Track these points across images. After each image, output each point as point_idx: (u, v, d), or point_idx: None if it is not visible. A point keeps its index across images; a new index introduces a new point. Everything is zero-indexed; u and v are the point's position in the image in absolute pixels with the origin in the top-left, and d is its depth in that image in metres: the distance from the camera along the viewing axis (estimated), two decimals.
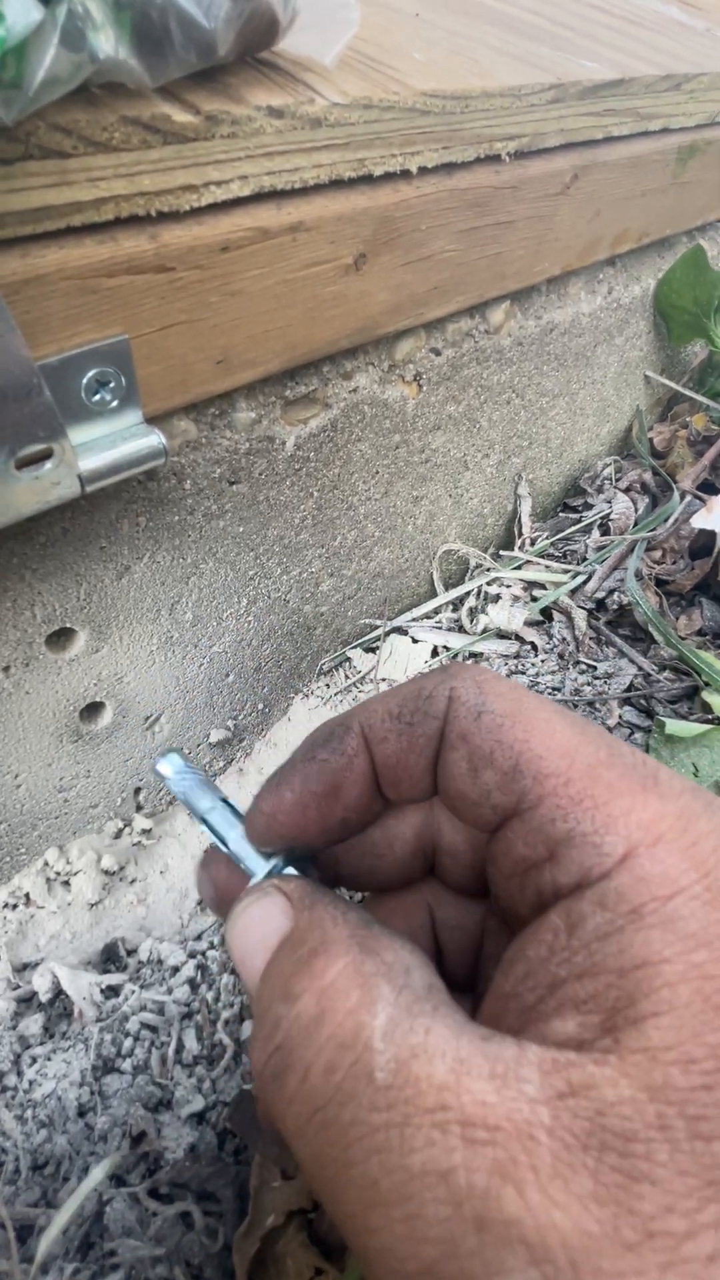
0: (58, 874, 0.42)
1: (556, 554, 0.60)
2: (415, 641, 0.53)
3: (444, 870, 0.21)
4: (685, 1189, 0.12)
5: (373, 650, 0.53)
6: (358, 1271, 0.24)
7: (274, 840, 0.19)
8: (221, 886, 0.21)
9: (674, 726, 0.43)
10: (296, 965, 0.15)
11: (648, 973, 0.13)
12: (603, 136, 0.43)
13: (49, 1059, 0.33)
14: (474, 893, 0.21)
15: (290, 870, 0.20)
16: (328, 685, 0.52)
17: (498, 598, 0.56)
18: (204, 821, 0.21)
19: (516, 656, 0.53)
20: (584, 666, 0.52)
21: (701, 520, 0.51)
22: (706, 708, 0.46)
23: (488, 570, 0.57)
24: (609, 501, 0.62)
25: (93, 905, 0.41)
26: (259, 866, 0.20)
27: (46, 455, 0.26)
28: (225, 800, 0.21)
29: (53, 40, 0.20)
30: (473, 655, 0.53)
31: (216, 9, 0.23)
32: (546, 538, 0.61)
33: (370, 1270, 0.13)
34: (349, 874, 0.21)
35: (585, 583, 0.56)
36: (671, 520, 0.58)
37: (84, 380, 0.27)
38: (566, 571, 0.57)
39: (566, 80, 0.38)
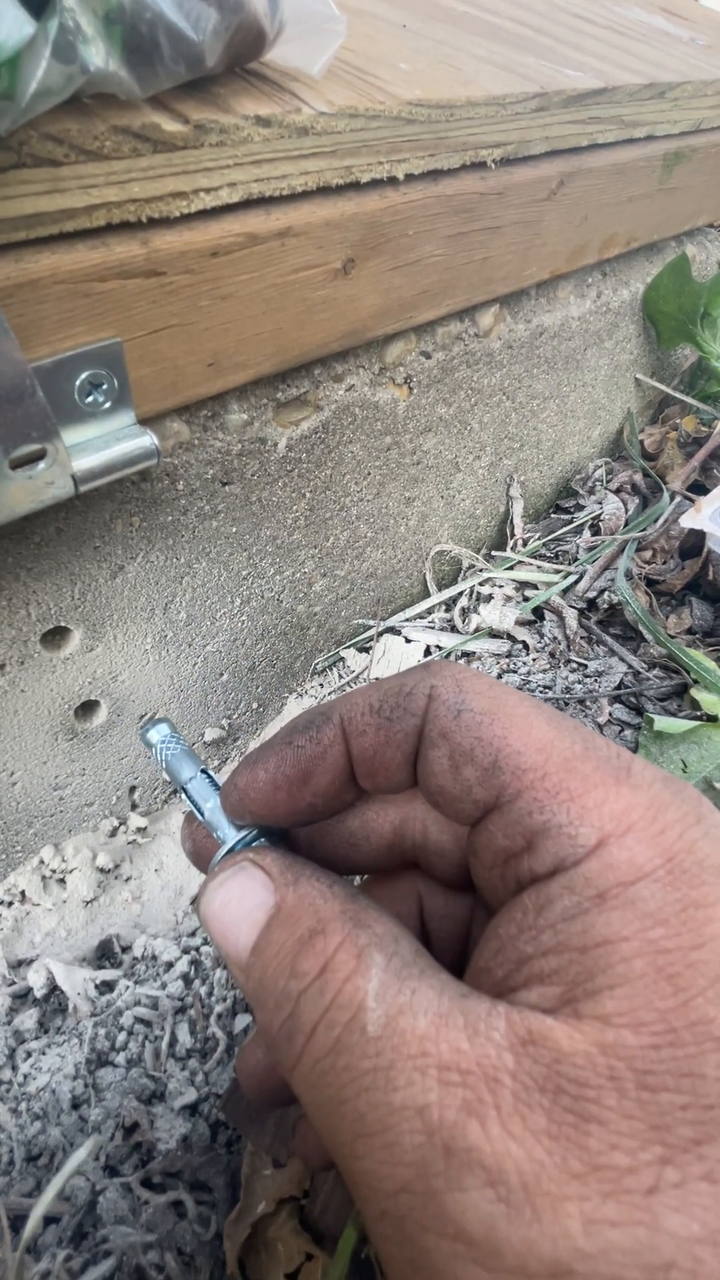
0: (53, 871, 0.42)
1: (548, 554, 0.60)
2: (408, 641, 0.54)
3: (431, 866, 0.22)
4: (630, 1130, 0.13)
5: (366, 650, 0.53)
6: (347, 1255, 0.25)
7: (244, 815, 0.20)
8: (199, 845, 0.22)
9: (663, 723, 0.43)
10: (299, 945, 0.16)
11: (607, 950, 0.14)
12: (588, 144, 0.44)
13: (43, 1053, 0.33)
14: (461, 886, 0.22)
15: (261, 842, 0.21)
16: (321, 685, 0.52)
17: (490, 598, 0.56)
18: (183, 790, 0.22)
19: (508, 655, 0.53)
20: (575, 665, 0.52)
21: (690, 520, 0.52)
22: (695, 704, 0.46)
23: (480, 571, 0.58)
24: (600, 502, 0.63)
25: (88, 903, 0.42)
26: (229, 836, 0.21)
27: (40, 456, 0.26)
28: (205, 771, 0.22)
29: (45, 53, 0.20)
30: (465, 654, 0.53)
31: (204, 22, 0.24)
32: (538, 538, 0.61)
33: (356, 1191, 0.15)
34: (322, 858, 0.22)
35: (576, 582, 0.57)
36: (661, 520, 0.59)
37: (77, 382, 0.27)
38: (558, 571, 0.58)
39: (551, 89, 0.39)
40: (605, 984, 0.14)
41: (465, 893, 0.22)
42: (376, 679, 0.52)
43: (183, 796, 0.22)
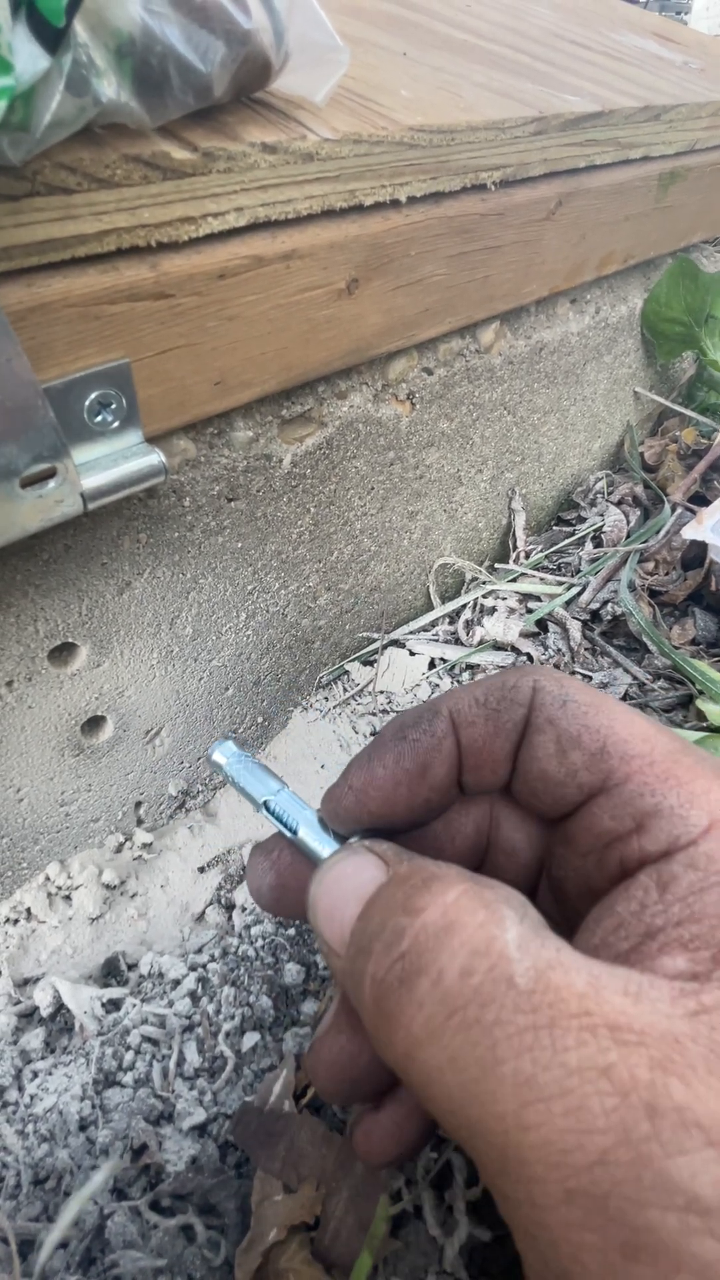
0: (59, 888, 0.42)
1: (551, 566, 0.61)
2: (413, 654, 0.54)
3: (496, 868, 0.22)
4: None
5: (371, 663, 0.53)
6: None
7: (361, 817, 0.19)
8: (285, 873, 0.20)
9: None
10: (412, 890, 0.15)
11: None
12: (585, 165, 0.45)
13: (50, 1073, 0.33)
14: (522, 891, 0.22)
15: None
16: (326, 698, 0.52)
17: (493, 610, 0.56)
18: (265, 808, 0.20)
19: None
20: (580, 677, 0.52)
21: (692, 531, 0.52)
22: (701, 716, 0.46)
23: (483, 583, 0.58)
24: (601, 515, 0.63)
25: (94, 919, 0.42)
26: (327, 852, 0.19)
27: (50, 474, 0.27)
28: (286, 787, 0.20)
29: (58, 86, 0.21)
30: (470, 667, 0.54)
31: (212, 54, 0.24)
32: (541, 551, 0.62)
33: (525, 1170, 0.12)
34: None
35: (579, 594, 0.57)
36: (663, 532, 0.59)
37: (87, 402, 0.28)
38: (561, 584, 0.58)
39: (548, 113, 0.39)
40: None
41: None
42: (390, 696, 0.52)
43: (265, 816, 0.19)
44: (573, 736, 0.18)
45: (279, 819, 0.20)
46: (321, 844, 0.19)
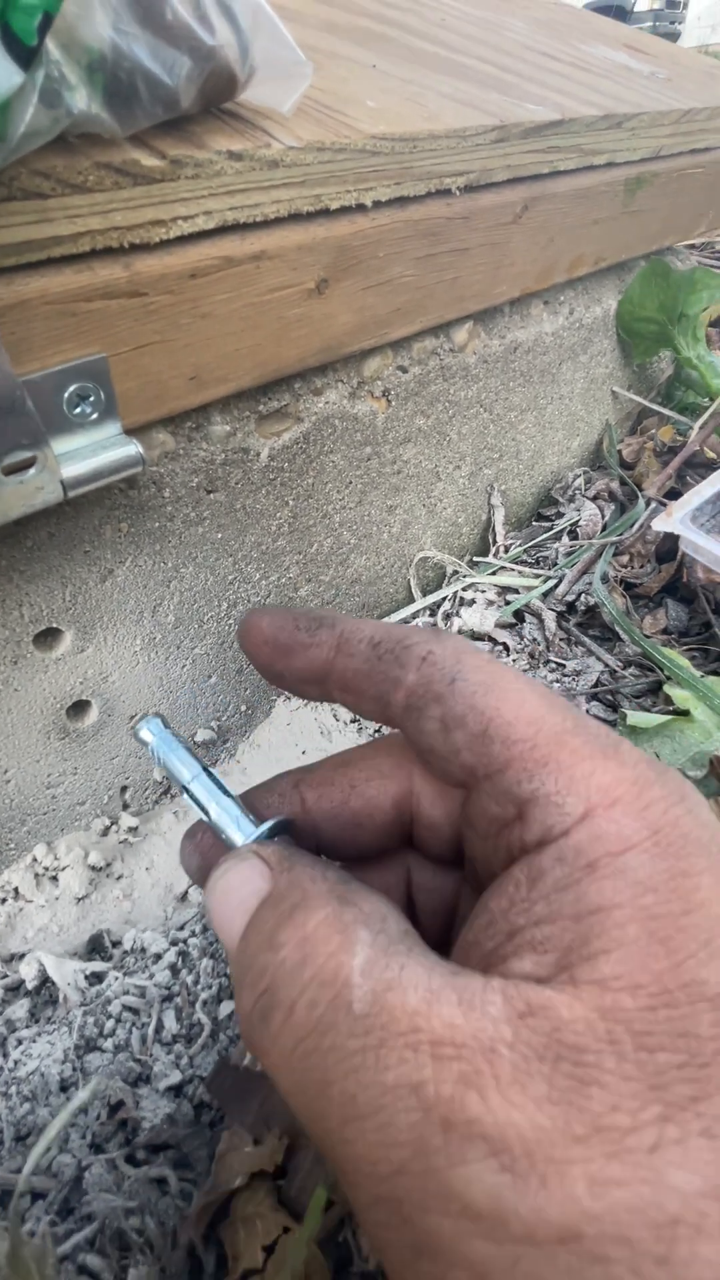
0: (46, 869, 0.43)
1: (529, 560, 0.62)
2: None
3: (422, 842, 0.22)
4: (630, 1091, 0.13)
5: None
6: (317, 1216, 0.26)
7: (249, 649, 0.21)
8: (206, 855, 0.22)
9: (635, 718, 0.45)
10: (279, 919, 0.16)
11: (601, 916, 0.15)
12: (549, 171, 0.47)
13: (34, 1040, 0.34)
14: (451, 863, 0.22)
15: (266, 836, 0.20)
16: None
17: (472, 602, 0.58)
18: (185, 790, 0.21)
19: None
20: (554, 665, 0.54)
21: (661, 524, 0.53)
22: (669, 700, 0.48)
23: (464, 576, 0.60)
24: (578, 509, 0.65)
25: (80, 899, 0.43)
26: (239, 838, 0.20)
27: (30, 463, 0.28)
28: (207, 770, 0.21)
29: (32, 99, 0.23)
30: None
31: (179, 69, 0.26)
32: (520, 545, 0.63)
33: (346, 1179, 0.14)
34: (329, 844, 0.22)
35: (556, 586, 0.59)
36: (637, 526, 0.61)
37: (65, 394, 0.29)
38: (538, 576, 0.60)
39: (509, 121, 0.41)
40: (601, 948, 0.14)
41: (453, 869, 0.23)
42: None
43: (184, 797, 0.21)
44: (457, 716, 0.18)
45: (195, 802, 0.21)
46: (229, 830, 0.20)
